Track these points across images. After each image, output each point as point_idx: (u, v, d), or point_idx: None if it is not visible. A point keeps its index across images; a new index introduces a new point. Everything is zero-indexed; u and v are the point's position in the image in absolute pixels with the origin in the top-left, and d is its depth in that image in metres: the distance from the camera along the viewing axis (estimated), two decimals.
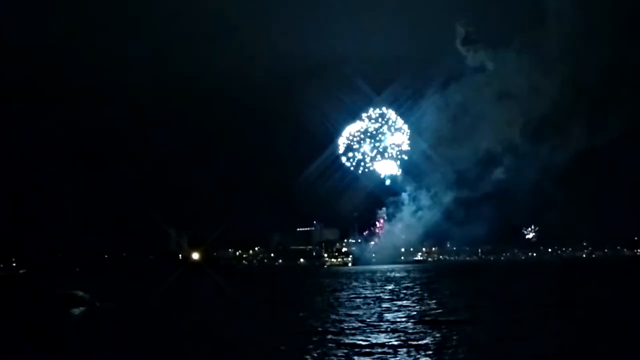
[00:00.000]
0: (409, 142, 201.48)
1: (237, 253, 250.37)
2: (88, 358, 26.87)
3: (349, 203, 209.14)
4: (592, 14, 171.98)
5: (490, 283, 79.45)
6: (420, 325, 32.89)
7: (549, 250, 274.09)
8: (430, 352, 24.50)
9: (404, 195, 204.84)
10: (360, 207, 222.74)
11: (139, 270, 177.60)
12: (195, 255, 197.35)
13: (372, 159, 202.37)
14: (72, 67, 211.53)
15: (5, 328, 37.42)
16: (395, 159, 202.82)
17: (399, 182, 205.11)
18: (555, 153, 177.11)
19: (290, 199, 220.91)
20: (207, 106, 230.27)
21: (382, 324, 34.05)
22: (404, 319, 36.04)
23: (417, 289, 66.58)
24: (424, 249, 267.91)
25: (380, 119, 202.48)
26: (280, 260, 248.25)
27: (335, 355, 24.48)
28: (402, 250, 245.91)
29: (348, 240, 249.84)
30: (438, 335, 29.11)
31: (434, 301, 48.99)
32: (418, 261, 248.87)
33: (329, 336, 29.56)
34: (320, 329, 32.30)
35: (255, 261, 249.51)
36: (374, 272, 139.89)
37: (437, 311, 40.57)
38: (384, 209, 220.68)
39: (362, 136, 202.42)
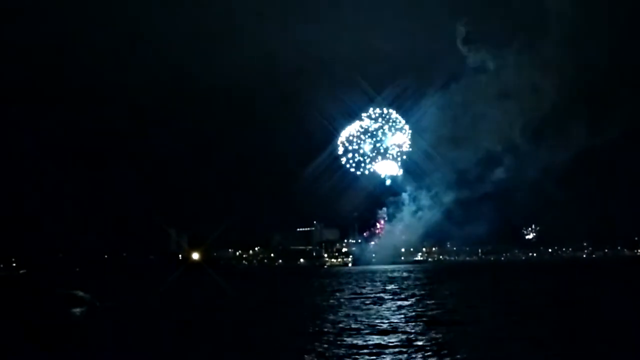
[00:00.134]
0: (409, 142, 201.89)
1: (237, 253, 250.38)
2: (88, 358, 26.87)
3: (349, 203, 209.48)
4: (592, 14, 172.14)
5: (490, 283, 79.46)
6: (420, 326, 32.88)
7: (549, 250, 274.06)
8: (430, 353, 24.48)
9: (404, 195, 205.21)
10: (361, 207, 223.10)
11: (139, 270, 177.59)
12: (195, 256, 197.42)
13: (373, 159, 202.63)
14: (72, 67, 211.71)
15: (6, 328, 37.43)
16: (396, 159, 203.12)
17: (399, 182, 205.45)
18: (555, 153, 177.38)
19: (291, 199, 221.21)
20: (207, 106, 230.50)
21: (382, 324, 34.04)
22: (404, 319, 36.04)
23: (417, 289, 66.55)
24: (424, 249, 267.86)
25: (380, 119, 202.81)
26: (280, 261, 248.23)
27: (335, 356, 24.49)
28: (402, 250, 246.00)
29: (348, 240, 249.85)
30: (438, 335, 29.09)
31: (433, 301, 48.98)
32: (418, 261, 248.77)
33: (329, 337, 29.56)
34: (320, 330, 32.30)
35: (255, 261, 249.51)
36: (374, 272, 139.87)
37: (437, 311, 40.57)
38: (384, 209, 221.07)
39: (362, 136, 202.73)
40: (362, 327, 32.70)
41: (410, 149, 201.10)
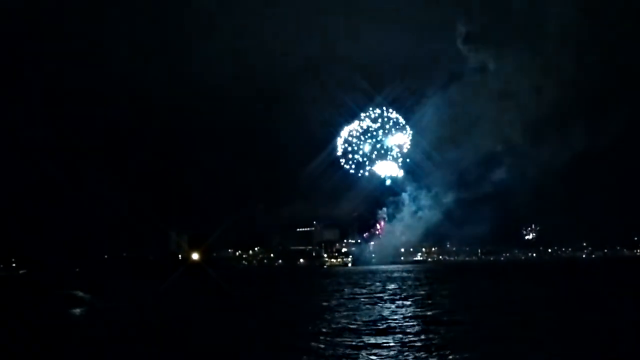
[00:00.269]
0: (409, 142, 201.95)
1: (237, 253, 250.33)
2: (88, 358, 26.90)
3: (348, 203, 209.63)
4: (593, 14, 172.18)
5: (489, 283, 79.48)
6: (420, 326, 32.94)
7: (549, 250, 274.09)
8: (430, 353, 24.55)
9: (404, 196, 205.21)
10: (360, 207, 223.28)
11: (139, 270, 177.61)
12: (195, 256, 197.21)
13: (372, 159, 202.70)
14: (72, 67, 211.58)
15: (6, 328, 37.46)
16: (396, 159, 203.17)
17: (399, 182, 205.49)
18: (555, 153, 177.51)
19: (290, 200, 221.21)
20: (207, 106, 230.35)
21: (381, 324, 34.10)
22: (403, 319, 36.08)
23: (417, 289, 66.60)
24: (423, 249, 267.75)
25: (380, 119, 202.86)
26: (280, 261, 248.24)
27: (335, 356, 24.54)
28: (402, 250, 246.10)
29: (348, 240, 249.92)
30: (437, 335, 29.15)
31: (433, 301, 49.03)
32: (418, 261, 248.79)
33: (329, 337, 29.61)
34: (319, 330, 32.35)
35: (255, 261, 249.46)
36: (373, 272, 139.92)
37: (437, 311, 40.61)
38: (384, 209, 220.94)
39: (362, 136, 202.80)
40: (362, 327, 32.74)
41: (410, 149, 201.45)
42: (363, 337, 29.32)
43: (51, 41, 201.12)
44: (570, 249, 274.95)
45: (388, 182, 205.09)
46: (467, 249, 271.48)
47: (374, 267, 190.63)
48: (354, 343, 27.38)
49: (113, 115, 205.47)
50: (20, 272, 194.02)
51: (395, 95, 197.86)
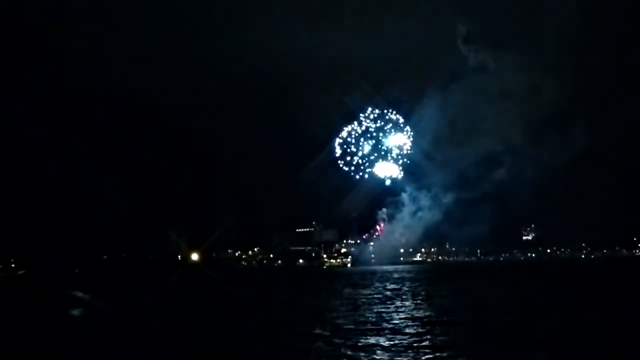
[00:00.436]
0: (409, 142, 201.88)
1: (237, 254, 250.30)
2: (88, 358, 26.93)
3: (348, 204, 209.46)
4: (593, 14, 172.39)
5: (489, 284, 79.50)
6: (419, 326, 32.97)
7: (548, 250, 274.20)
8: (430, 353, 24.57)
9: (404, 196, 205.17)
10: (360, 208, 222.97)
11: (138, 271, 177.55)
12: (195, 256, 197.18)
13: (372, 159, 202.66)
14: (72, 67, 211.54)
15: (6, 328, 37.47)
16: (396, 159, 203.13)
17: (399, 182, 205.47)
18: (555, 153, 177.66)
19: (290, 200, 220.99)
20: (207, 106, 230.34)
21: (381, 324, 34.12)
22: (403, 320, 36.10)
23: (416, 290, 66.63)
24: (423, 250, 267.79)
25: (380, 119, 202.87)
26: (279, 261, 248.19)
27: (335, 356, 24.56)
28: (402, 251, 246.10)
29: (347, 241, 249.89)
30: (437, 336, 29.18)
31: (433, 302, 49.06)
32: (417, 262, 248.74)
33: (328, 337, 29.63)
34: (319, 330, 32.38)
35: (254, 262, 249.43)
36: (373, 272, 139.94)
37: (436, 312, 40.65)
38: (383, 209, 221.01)
39: (361, 136, 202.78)
40: (361, 328, 32.77)
41: (410, 149, 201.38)
42: (363, 337, 29.34)
43: (51, 41, 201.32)
44: (569, 250, 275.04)
45: (388, 182, 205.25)
46: (467, 249, 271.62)
47: (373, 268, 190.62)
48: (353, 343, 27.41)
49: (113, 115, 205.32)
50: (20, 272, 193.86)
51: (395, 96, 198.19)
